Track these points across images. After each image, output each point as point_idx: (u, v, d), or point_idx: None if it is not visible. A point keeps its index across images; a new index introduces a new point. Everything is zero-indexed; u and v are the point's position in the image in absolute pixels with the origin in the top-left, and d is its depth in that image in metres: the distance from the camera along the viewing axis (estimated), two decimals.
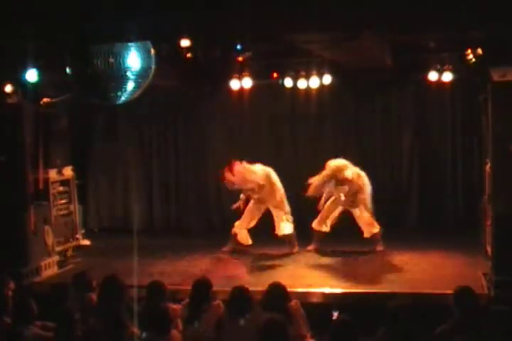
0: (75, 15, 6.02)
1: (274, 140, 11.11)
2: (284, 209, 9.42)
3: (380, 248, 9.39)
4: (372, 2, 5.92)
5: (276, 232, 9.44)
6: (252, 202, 9.54)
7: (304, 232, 9.54)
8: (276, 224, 9.45)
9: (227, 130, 11.44)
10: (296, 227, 9.49)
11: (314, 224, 9.52)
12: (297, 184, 9.64)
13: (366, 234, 9.40)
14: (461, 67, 8.86)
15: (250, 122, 11.32)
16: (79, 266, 9.11)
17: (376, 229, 9.39)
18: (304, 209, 9.79)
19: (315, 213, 9.53)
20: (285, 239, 9.47)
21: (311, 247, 9.51)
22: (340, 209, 9.49)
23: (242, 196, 9.50)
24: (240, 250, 9.57)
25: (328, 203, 9.44)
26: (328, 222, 9.51)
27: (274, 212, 9.46)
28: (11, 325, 5.87)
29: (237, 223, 9.56)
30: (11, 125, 8.55)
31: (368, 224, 9.38)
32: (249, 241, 9.59)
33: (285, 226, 9.41)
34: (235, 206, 9.50)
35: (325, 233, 9.53)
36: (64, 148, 10.04)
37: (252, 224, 9.58)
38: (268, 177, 9.29)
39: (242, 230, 9.56)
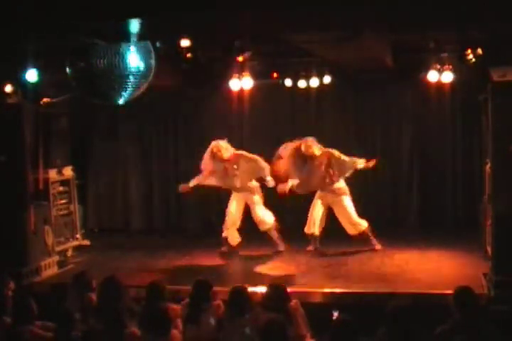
0: (75, 15, 6.02)
1: (274, 140, 11.09)
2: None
3: (377, 246, 9.35)
4: (372, 2, 5.91)
5: (259, 227, 9.50)
6: (231, 201, 9.58)
7: (300, 233, 9.53)
8: (256, 220, 9.50)
9: (227, 130, 11.43)
10: (294, 228, 9.52)
11: (306, 229, 9.48)
12: None
13: (352, 232, 9.33)
14: (461, 67, 8.85)
15: (250, 122, 11.32)
16: (79, 266, 9.11)
17: (363, 226, 9.33)
18: (301, 208, 9.77)
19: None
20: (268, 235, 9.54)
21: (310, 247, 9.51)
22: (323, 209, 9.42)
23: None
24: (235, 250, 9.57)
25: (313, 207, 9.43)
26: (317, 224, 9.41)
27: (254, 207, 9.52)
28: (11, 325, 5.86)
29: (224, 226, 9.59)
30: (11, 125, 8.55)
31: (353, 223, 9.31)
32: (237, 241, 9.60)
33: (266, 219, 9.49)
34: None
35: (318, 235, 9.47)
36: (64, 148, 10.05)
37: (238, 223, 9.59)
38: None
39: (230, 231, 9.58)
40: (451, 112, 10.86)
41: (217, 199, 11.37)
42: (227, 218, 9.56)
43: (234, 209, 9.55)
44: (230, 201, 9.63)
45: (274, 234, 9.52)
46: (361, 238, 9.38)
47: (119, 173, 11.84)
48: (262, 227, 9.49)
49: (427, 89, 9.93)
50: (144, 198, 11.78)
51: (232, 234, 9.57)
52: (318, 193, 9.46)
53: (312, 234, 9.46)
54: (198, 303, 6.07)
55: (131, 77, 6.10)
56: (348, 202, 9.36)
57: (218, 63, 9.09)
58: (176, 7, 5.91)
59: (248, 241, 9.73)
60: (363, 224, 9.35)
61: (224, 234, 9.56)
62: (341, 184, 9.37)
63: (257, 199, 9.51)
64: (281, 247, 9.48)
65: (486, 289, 7.30)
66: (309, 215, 9.47)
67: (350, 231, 9.35)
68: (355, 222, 9.33)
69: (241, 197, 9.56)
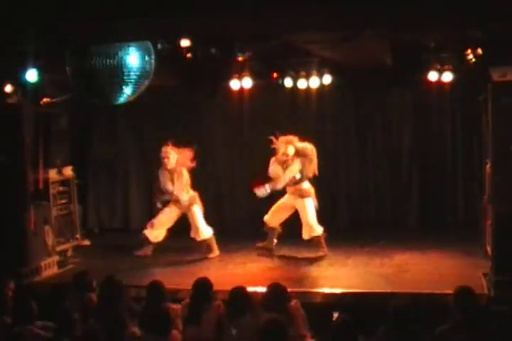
0: (75, 16, 6.02)
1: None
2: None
3: (322, 253, 9.10)
4: (373, 2, 5.91)
5: (193, 236, 9.47)
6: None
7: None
8: (193, 227, 9.49)
9: (227, 130, 11.44)
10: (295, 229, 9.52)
11: (269, 223, 9.38)
12: None
13: (304, 236, 9.14)
14: (461, 67, 8.85)
15: (250, 122, 11.32)
16: (79, 266, 9.11)
17: (316, 232, 9.13)
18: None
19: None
20: (205, 244, 9.48)
21: (261, 244, 9.46)
22: (289, 208, 9.32)
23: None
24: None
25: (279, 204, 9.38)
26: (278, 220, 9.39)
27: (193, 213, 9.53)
28: (11, 325, 5.86)
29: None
30: (11, 125, 8.54)
31: (310, 225, 9.13)
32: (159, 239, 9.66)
33: (204, 230, 9.46)
34: None
35: (277, 230, 9.43)
36: (64, 148, 10.04)
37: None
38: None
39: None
40: (451, 112, 10.86)
41: (216, 199, 11.39)
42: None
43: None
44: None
45: (212, 242, 9.50)
46: (312, 242, 9.17)
47: (119, 173, 11.83)
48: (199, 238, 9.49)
49: (427, 89, 9.94)
50: (144, 198, 11.76)
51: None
52: (287, 193, 9.36)
53: (272, 228, 9.38)
54: (198, 303, 6.07)
55: (131, 77, 6.11)
56: (309, 205, 9.16)
57: (218, 63, 9.08)
58: (176, 7, 5.92)
59: (247, 241, 9.76)
60: (318, 230, 9.14)
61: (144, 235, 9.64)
62: (306, 185, 9.24)
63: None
64: (215, 253, 9.44)
65: (486, 289, 7.30)
66: (273, 210, 9.36)
67: (304, 234, 9.15)
68: (310, 226, 9.11)
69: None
